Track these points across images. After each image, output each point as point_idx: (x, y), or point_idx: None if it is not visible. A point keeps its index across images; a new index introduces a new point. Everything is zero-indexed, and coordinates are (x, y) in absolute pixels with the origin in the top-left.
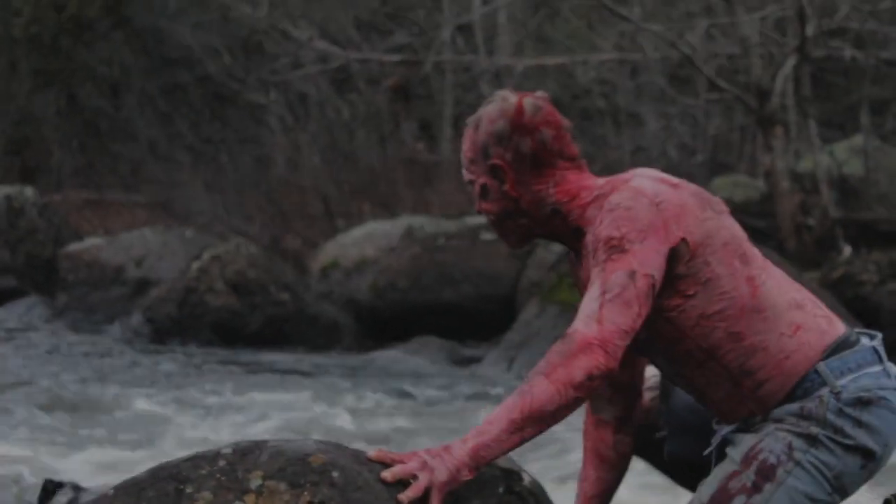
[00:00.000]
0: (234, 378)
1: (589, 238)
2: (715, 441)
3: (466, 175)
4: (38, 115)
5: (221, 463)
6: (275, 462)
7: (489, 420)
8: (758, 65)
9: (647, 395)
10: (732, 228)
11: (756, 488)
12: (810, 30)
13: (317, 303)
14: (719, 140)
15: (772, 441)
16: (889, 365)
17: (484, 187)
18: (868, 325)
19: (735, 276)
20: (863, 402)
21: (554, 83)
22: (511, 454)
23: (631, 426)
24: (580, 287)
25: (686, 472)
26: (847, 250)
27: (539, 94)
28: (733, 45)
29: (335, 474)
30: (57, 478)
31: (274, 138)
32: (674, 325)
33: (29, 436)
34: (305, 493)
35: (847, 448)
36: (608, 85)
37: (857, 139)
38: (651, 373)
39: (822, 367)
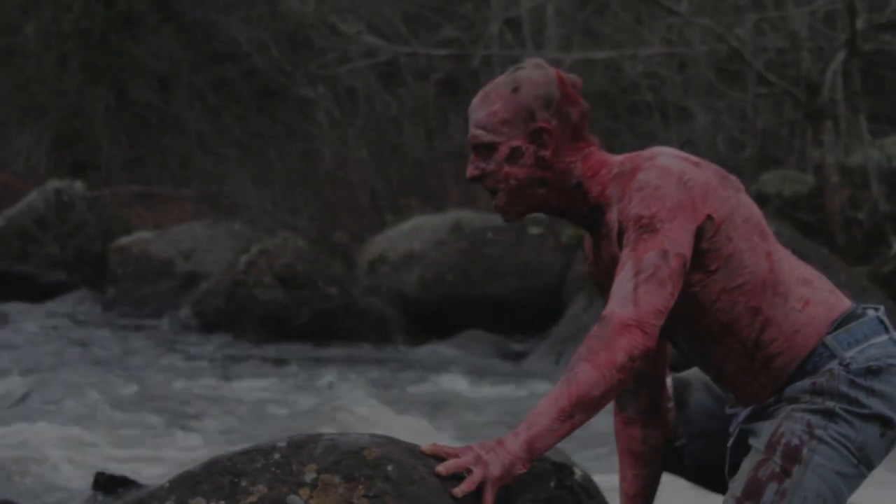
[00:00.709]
0: (284, 372)
1: (612, 216)
2: (733, 428)
3: (486, 136)
4: (87, 109)
5: (276, 456)
6: (329, 455)
7: (538, 411)
8: (807, 59)
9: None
10: (751, 206)
11: (785, 473)
12: (860, 23)
13: (364, 297)
14: (768, 134)
15: (791, 423)
16: (892, 332)
17: (516, 151)
18: None
19: (755, 252)
20: (873, 371)
21: (602, 77)
22: (563, 447)
23: (659, 419)
24: (600, 269)
25: (712, 476)
26: None
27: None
28: (783, 38)
29: (390, 468)
30: (108, 470)
31: (322, 132)
32: (696, 299)
33: (79, 428)
34: (360, 486)
35: (864, 417)
36: (656, 79)
37: None
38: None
39: (829, 339)
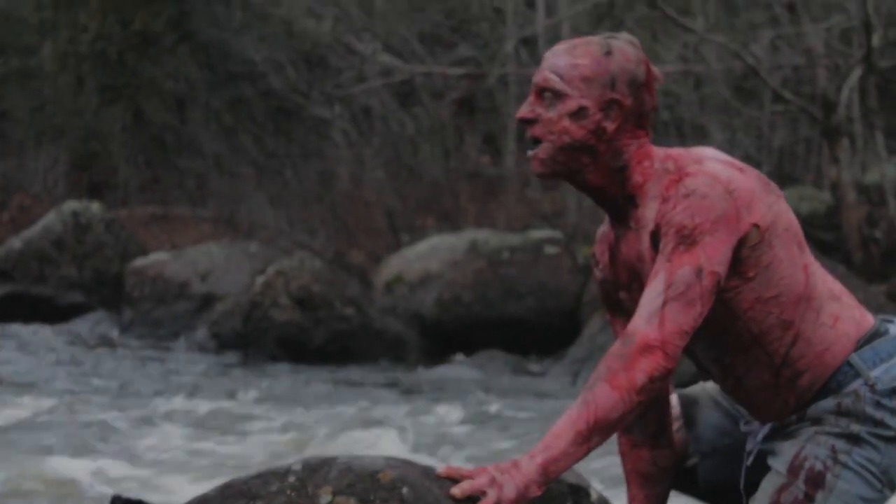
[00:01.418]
0: (300, 393)
1: (646, 212)
2: (751, 446)
3: (559, 83)
4: (104, 130)
5: (291, 479)
6: (344, 478)
7: (555, 433)
8: (823, 76)
9: (674, 426)
10: (790, 214)
11: (808, 499)
12: (876, 40)
13: (381, 317)
14: (784, 152)
15: (814, 447)
16: None
17: (582, 110)
18: None
19: (794, 263)
20: None
21: None
22: (579, 468)
23: (666, 438)
24: (616, 268)
25: (725, 495)
26: None
27: None
28: (798, 55)
29: (405, 490)
30: (125, 494)
31: (338, 152)
32: (728, 306)
33: (96, 449)
34: None
35: (889, 440)
36: (672, 97)
37: None
38: (672, 402)
39: (854, 358)
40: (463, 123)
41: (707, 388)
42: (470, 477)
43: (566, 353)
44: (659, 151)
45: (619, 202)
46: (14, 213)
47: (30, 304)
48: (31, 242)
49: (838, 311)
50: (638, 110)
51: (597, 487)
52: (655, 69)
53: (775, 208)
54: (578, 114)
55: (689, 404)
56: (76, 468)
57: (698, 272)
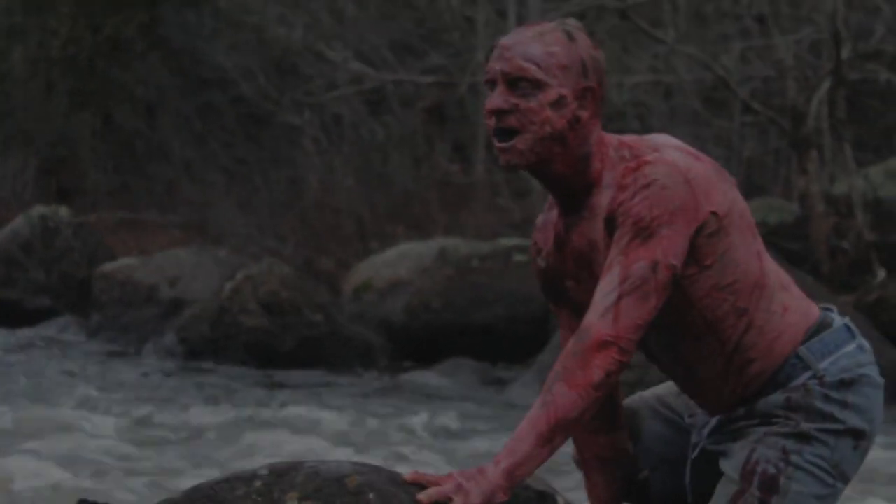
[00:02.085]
0: (268, 399)
1: (600, 200)
2: (697, 439)
3: (538, 73)
4: (74, 135)
5: (257, 484)
6: (311, 483)
7: (517, 437)
8: (793, 87)
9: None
10: (743, 202)
11: None
12: (845, 53)
13: (350, 324)
14: (753, 162)
15: (766, 450)
16: (861, 339)
17: (561, 100)
18: None
19: (749, 250)
20: (846, 384)
21: None
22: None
23: (620, 421)
24: (563, 256)
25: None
26: (882, 274)
27: None
28: (768, 67)
29: (371, 496)
30: (90, 498)
31: (308, 159)
32: (684, 294)
33: (61, 455)
34: None
35: (838, 433)
36: (642, 107)
37: (893, 162)
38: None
39: (803, 351)
40: (433, 132)
41: (645, 398)
42: (436, 483)
43: (535, 361)
44: (612, 138)
45: (578, 190)
46: None
47: None
48: None
49: (788, 300)
50: (602, 94)
51: (564, 496)
52: None
53: (730, 195)
54: (559, 103)
55: (630, 417)
56: (41, 473)
57: (654, 266)
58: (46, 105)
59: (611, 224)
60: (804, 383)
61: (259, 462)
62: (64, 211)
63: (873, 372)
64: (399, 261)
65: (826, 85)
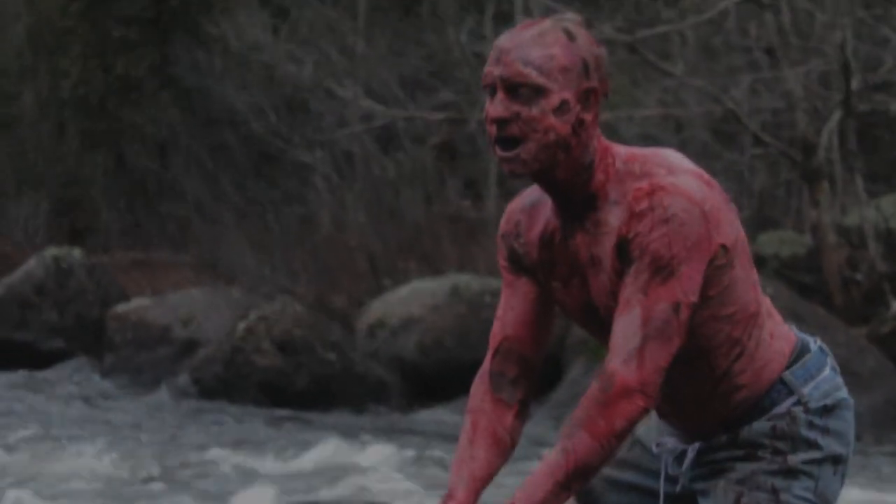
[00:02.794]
0: (282, 438)
1: (607, 217)
2: (674, 472)
3: (538, 78)
4: (85, 176)
5: None
6: None
7: (534, 482)
8: (803, 119)
9: None
10: (743, 231)
11: None
12: (855, 84)
13: (363, 361)
14: (765, 195)
15: (755, 491)
16: (832, 360)
17: (565, 104)
18: None
19: (747, 281)
20: (828, 410)
21: None
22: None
23: (526, 415)
24: (554, 255)
25: None
26: (895, 305)
27: None
28: (778, 99)
29: None
30: None
31: (319, 196)
32: None
33: (75, 497)
34: None
35: (821, 462)
36: (652, 140)
37: None
38: None
39: (788, 376)
40: (444, 168)
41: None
42: None
43: (548, 398)
44: (620, 149)
45: (578, 198)
46: None
47: (11, 350)
48: (12, 288)
49: (773, 327)
50: (606, 94)
51: None
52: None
53: (735, 224)
54: (561, 108)
55: (584, 496)
56: None
57: (676, 307)
58: (58, 146)
59: (623, 251)
60: (789, 410)
61: (274, 502)
62: (77, 252)
63: (846, 393)
64: (412, 298)
65: (836, 116)
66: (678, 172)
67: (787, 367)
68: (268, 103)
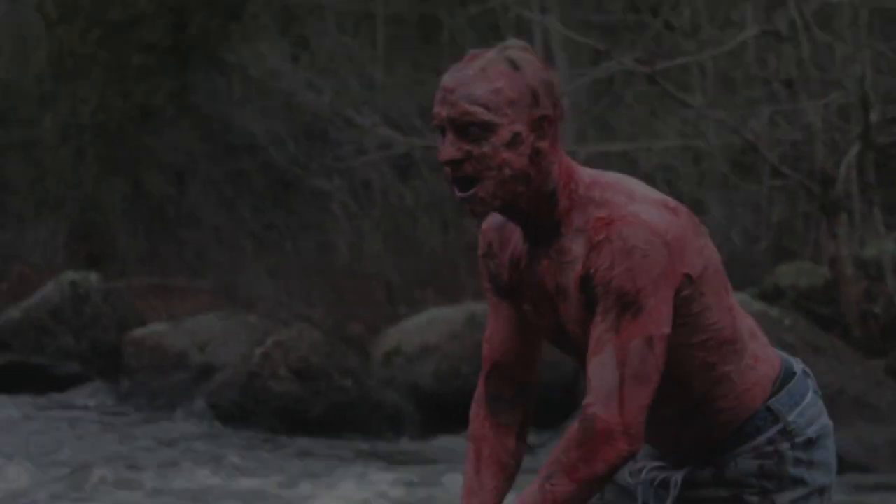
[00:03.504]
0: (298, 465)
1: (570, 245)
2: (645, 495)
3: (486, 115)
4: (104, 201)
5: None
6: None
7: None
8: (822, 151)
9: None
10: (715, 253)
11: None
12: (874, 116)
13: (380, 389)
14: (783, 226)
15: None
16: (814, 381)
17: (517, 136)
18: None
19: (720, 306)
20: (812, 442)
21: (617, 169)
22: None
23: (526, 436)
24: (522, 278)
25: None
26: None
27: None
28: (797, 131)
29: None
30: None
31: (337, 224)
32: None
33: None
34: None
35: (808, 497)
36: (671, 171)
37: None
38: None
39: (774, 404)
40: None
41: None
42: None
43: (564, 427)
44: (584, 174)
45: (544, 227)
46: (13, 283)
47: (27, 374)
48: (29, 312)
49: (758, 350)
50: (560, 117)
51: None
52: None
53: (706, 252)
54: (514, 141)
55: None
56: None
57: (649, 342)
58: (77, 171)
59: (586, 286)
60: (777, 449)
61: None
62: (94, 277)
63: (827, 418)
64: (429, 326)
65: (855, 149)
66: (639, 201)
67: (773, 394)
68: (286, 131)
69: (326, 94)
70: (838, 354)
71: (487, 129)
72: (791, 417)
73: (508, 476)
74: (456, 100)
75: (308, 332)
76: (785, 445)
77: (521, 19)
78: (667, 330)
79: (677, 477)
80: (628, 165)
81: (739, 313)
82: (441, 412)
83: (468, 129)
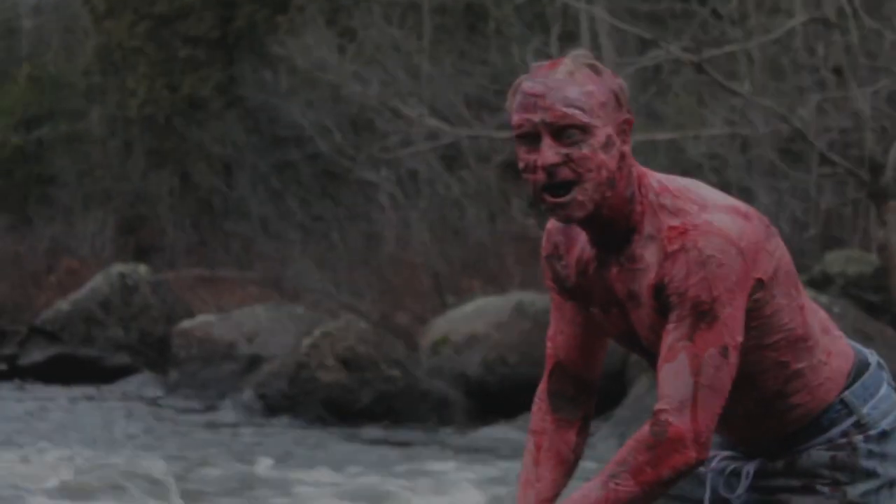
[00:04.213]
0: (346, 455)
1: (645, 255)
2: (727, 495)
3: (583, 117)
4: (152, 194)
5: None
6: None
7: None
8: (870, 139)
9: None
10: (786, 253)
11: None
12: None
13: (427, 378)
14: (832, 214)
15: None
16: (888, 374)
17: (609, 139)
18: None
19: (791, 307)
20: (886, 435)
21: (664, 158)
22: None
23: (588, 430)
24: (588, 281)
25: None
26: None
27: None
28: (846, 118)
29: None
30: None
31: (384, 215)
32: None
33: None
34: None
35: (879, 489)
36: (719, 159)
37: None
38: None
39: (848, 396)
40: (508, 186)
41: None
42: None
43: (612, 415)
44: (652, 180)
45: (619, 235)
46: (62, 275)
47: (77, 366)
48: (78, 304)
49: (830, 345)
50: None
51: None
52: None
53: (777, 254)
54: (608, 144)
55: None
56: None
57: (724, 351)
58: (125, 164)
59: (660, 294)
60: (850, 440)
61: None
62: (142, 269)
63: None
64: (476, 315)
65: None
66: (711, 209)
67: (847, 386)
68: (333, 122)
69: (373, 85)
70: (887, 341)
71: (585, 131)
72: (865, 410)
73: (567, 469)
74: (551, 104)
75: (355, 323)
76: (858, 437)
77: (568, 8)
78: (740, 339)
79: (749, 467)
80: (676, 154)
81: (810, 310)
82: (489, 401)
83: (565, 132)
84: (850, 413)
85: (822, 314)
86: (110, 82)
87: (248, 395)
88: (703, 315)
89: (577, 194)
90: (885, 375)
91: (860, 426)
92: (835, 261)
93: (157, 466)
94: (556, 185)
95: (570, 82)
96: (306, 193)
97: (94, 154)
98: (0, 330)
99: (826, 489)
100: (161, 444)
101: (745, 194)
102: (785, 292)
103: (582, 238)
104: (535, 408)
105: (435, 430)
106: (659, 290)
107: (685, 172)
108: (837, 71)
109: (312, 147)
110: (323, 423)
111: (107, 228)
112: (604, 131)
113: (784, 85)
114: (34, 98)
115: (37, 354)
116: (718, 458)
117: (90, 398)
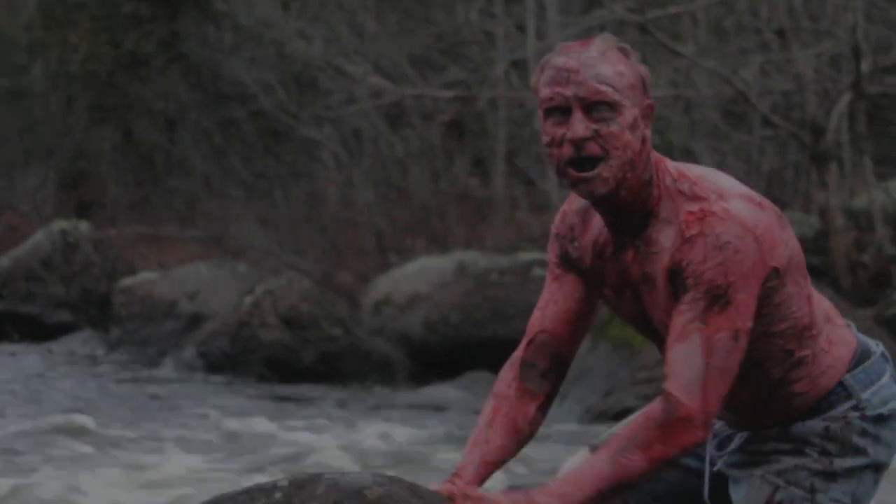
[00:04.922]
0: (287, 413)
1: (660, 239)
2: (718, 453)
3: (615, 95)
4: (93, 150)
5: (277, 495)
6: (331, 495)
7: (575, 482)
8: (812, 101)
9: None
10: (796, 243)
11: None
12: (865, 66)
13: (369, 338)
14: (773, 176)
15: (792, 487)
16: (892, 367)
17: (636, 120)
18: None
19: (800, 296)
20: (883, 419)
21: None
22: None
23: (549, 408)
24: (604, 263)
25: None
26: None
27: None
28: (788, 81)
29: None
30: None
31: (327, 173)
32: None
33: (80, 468)
34: None
35: (864, 468)
36: (662, 121)
37: None
38: None
39: (848, 380)
40: (452, 146)
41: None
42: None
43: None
44: (670, 166)
45: (637, 220)
46: (2, 231)
47: (18, 323)
48: (19, 261)
49: (833, 333)
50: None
51: None
52: None
53: (790, 244)
54: (634, 125)
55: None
56: (57, 487)
57: (735, 335)
58: (66, 120)
59: (675, 277)
60: (845, 414)
61: (279, 474)
62: (84, 226)
63: None
64: (418, 275)
65: (846, 98)
66: (728, 197)
67: (849, 371)
68: (277, 79)
69: (317, 43)
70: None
71: (615, 109)
72: (865, 395)
73: (519, 440)
74: (584, 79)
75: (297, 281)
76: (854, 414)
77: None
78: (751, 324)
79: (744, 433)
80: None
81: (816, 298)
82: (430, 361)
83: (596, 107)
84: (850, 396)
85: (827, 303)
86: (52, 37)
87: (189, 353)
88: (717, 299)
89: (602, 170)
90: (889, 367)
91: (858, 409)
92: None
93: (94, 423)
94: (581, 160)
95: (603, 60)
96: (249, 151)
97: (35, 109)
98: None
99: (815, 455)
100: (100, 401)
101: (688, 156)
102: (795, 281)
103: (597, 221)
104: (503, 372)
105: (376, 389)
106: (674, 273)
107: None
108: (780, 33)
109: (255, 104)
110: (264, 381)
111: (48, 184)
112: (631, 112)
113: (727, 47)
114: None
115: None
116: (717, 424)
117: (31, 355)
